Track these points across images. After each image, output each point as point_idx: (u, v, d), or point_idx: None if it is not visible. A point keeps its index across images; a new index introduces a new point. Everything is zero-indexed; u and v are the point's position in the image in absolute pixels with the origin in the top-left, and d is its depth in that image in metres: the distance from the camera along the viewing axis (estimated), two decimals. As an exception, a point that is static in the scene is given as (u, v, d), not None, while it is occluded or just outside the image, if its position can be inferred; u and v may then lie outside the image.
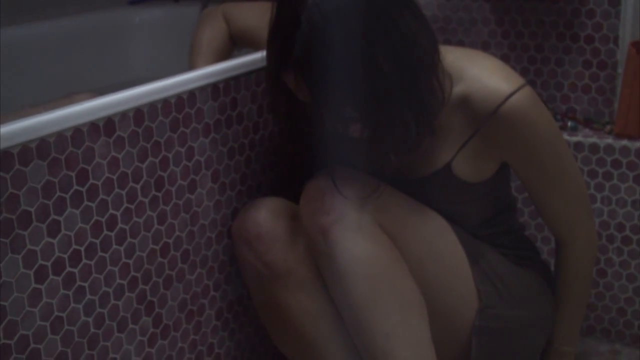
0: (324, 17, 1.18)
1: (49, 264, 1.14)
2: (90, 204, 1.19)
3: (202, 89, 1.35)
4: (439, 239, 1.38)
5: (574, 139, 1.81)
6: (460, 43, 2.02)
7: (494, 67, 1.34)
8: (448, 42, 2.01)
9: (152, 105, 1.27)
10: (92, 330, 1.22)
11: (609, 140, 1.80)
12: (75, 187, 1.17)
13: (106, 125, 1.20)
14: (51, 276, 1.15)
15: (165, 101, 1.29)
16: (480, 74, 1.32)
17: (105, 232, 1.22)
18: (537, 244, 1.86)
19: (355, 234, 1.29)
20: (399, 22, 1.21)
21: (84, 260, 1.20)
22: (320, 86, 1.21)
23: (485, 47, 2.01)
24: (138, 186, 1.27)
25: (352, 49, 1.19)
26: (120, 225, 1.24)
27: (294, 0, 1.21)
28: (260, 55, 1.37)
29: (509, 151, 1.35)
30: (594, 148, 1.80)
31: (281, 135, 1.54)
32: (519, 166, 1.38)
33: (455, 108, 1.33)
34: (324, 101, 1.23)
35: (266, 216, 1.38)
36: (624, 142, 1.78)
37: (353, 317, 1.31)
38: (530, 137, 1.33)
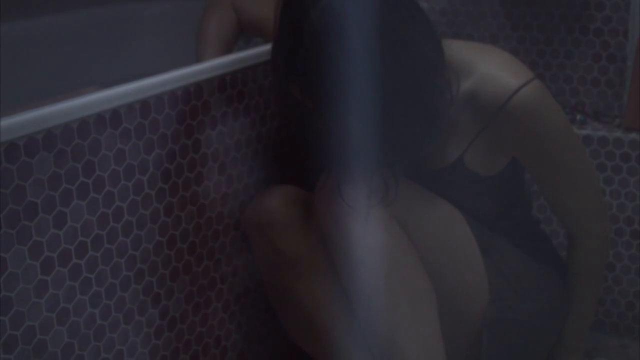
0: (326, 29, 1.18)
1: (55, 255, 1.15)
2: (96, 195, 1.19)
3: (208, 81, 1.35)
4: (451, 230, 1.38)
5: (583, 132, 1.80)
6: (469, 36, 2.02)
7: (503, 61, 1.34)
8: (457, 35, 2.01)
9: (158, 98, 1.27)
10: (99, 321, 1.23)
11: (618, 133, 1.79)
12: (82, 178, 1.17)
13: (112, 117, 1.20)
14: (57, 267, 1.15)
15: (172, 93, 1.29)
16: (489, 68, 1.31)
17: (111, 223, 1.22)
18: (546, 238, 1.85)
19: (367, 223, 1.29)
20: (401, 31, 1.21)
21: (90, 252, 1.20)
22: (324, 97, 1.22)
23: (494, 40, 2.00)
24: (144, 178, 1.27)
25: (355, 60, 1.19)
26: (126, 217, 1.24)
27: (296, 13, 1.21)
28: (267, 47, 1.37)
29: (519, 145, 1.35)
30: (602, 141, 1.79)
31: (292, 132, 1.53)
32: (529, 160, 1.38)
33: (465, 103, 1.32)
34: (329, 111, 1.24)
35: (279, 203, 1.39)
36: (633, 135, 1.77)
37: (363, 306, 1.32)
38: (540, 130, 1.32)
